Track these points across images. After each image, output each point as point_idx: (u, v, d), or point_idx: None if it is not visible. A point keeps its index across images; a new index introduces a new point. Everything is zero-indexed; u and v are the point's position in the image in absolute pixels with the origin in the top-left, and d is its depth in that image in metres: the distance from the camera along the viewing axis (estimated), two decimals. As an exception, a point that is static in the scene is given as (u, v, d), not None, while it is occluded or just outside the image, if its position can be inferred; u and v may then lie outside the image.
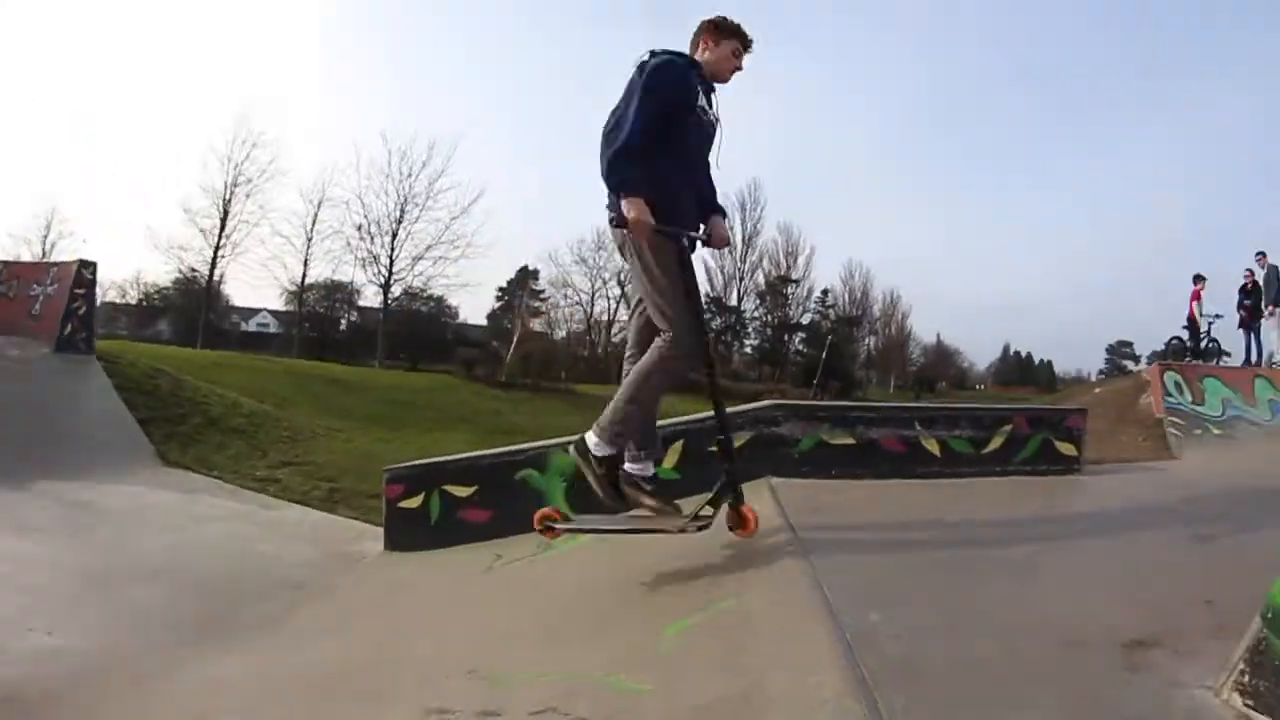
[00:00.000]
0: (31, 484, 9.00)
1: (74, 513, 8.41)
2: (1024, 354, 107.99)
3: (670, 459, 6.13)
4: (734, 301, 70.65)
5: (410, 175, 54.06)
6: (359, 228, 52.09)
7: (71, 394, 13.28)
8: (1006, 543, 4.71)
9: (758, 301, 72.58)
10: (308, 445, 14.83)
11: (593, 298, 65.11)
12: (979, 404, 6.72)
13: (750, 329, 73.34)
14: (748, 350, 73.64)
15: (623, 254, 4.31)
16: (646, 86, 3.97)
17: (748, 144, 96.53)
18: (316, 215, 53.41)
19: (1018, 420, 7.18)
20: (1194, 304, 18.26)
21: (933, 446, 6.70)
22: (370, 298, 56.56)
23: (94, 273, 16.26)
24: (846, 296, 76.60)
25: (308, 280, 55.33)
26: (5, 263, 19.16)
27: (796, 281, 72.45)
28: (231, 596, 6.40)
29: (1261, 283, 17.20)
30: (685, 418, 6.43)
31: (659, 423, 4.95)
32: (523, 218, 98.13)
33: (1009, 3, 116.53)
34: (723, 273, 69.30)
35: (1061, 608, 3.52)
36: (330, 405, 25.83)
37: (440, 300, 59.01)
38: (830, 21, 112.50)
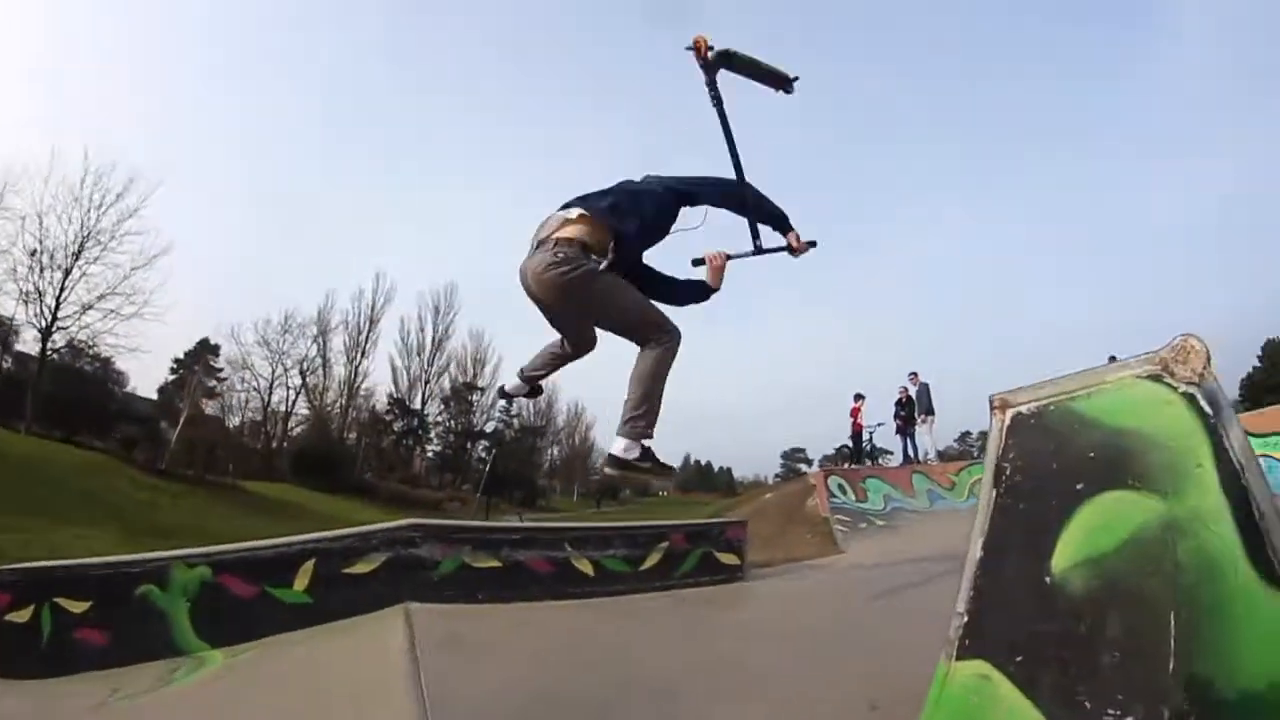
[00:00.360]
0: None
1: None
2: (704, 462, 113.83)
3: (300, 580, 5.58)
4: (418, 405, 68.56)
5: (101, 206, 44.43)
6: (33, 253, 41.39)
7: None
8: (655, 664, 4.48)
9: (442, 406, 70.69)
10: None
11: (271, 385, 58.48)
12: (634, 522, 6.59)
13: (433, 434, 71.32)
14: (430, 455, 71.53)
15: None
16: None
17: (448, 247, 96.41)
18: None
19: (675, 538, 7.14)
20: (856, 417, 20.68)
21: (585, 567, 6.44)
22: (29, 343, 45.37)
23: None
24: (531, 406, 74.88)
25: None
26: None
27: (482, 389, 70.85)
28: None
29: (915, 396, 19.58)
30: (314, 536, 5.82)
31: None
32: (207, 282, 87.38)
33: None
34: (408, 374, 67.59)
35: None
36: None
37: (107, 362, 48.79)
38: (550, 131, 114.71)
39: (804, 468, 79.59)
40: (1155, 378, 1.93)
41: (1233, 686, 1.75)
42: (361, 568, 5.65)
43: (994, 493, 2.13)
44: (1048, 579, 1.97)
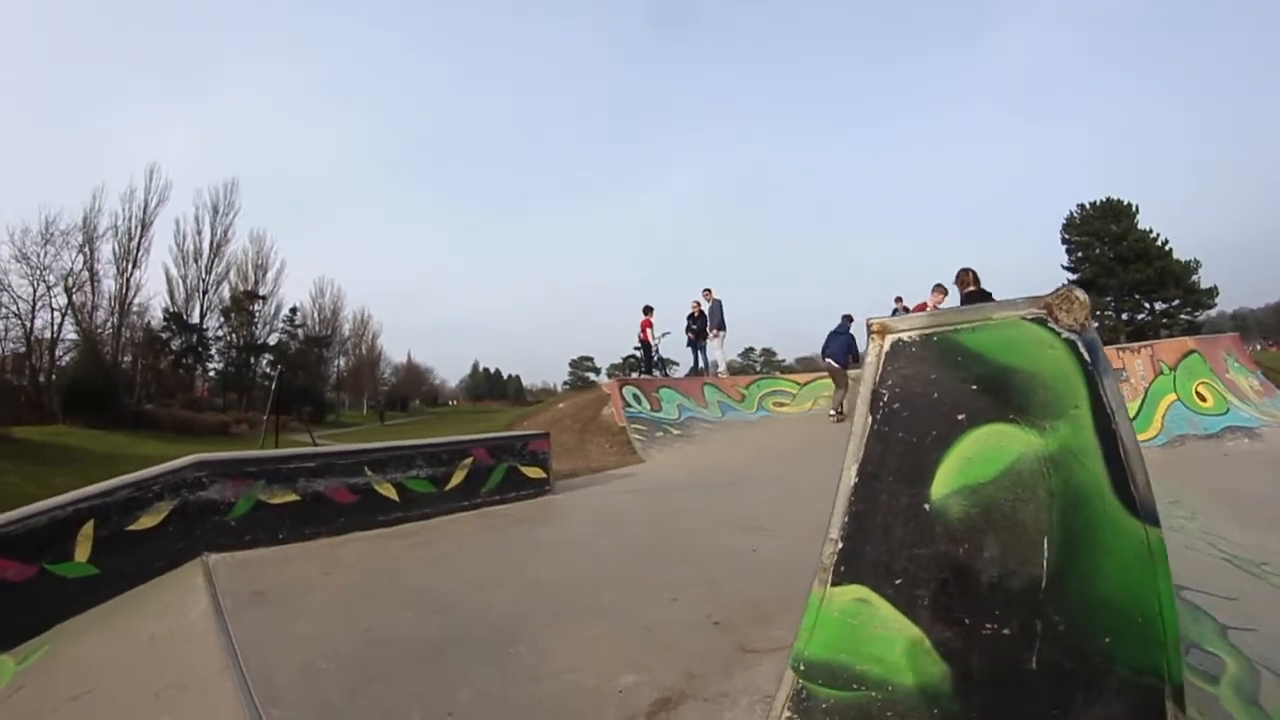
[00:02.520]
0: None
1: None
2: (493, 370, 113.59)
3: (82, 548, 4.93)
4: (196, 319, 61.43)
5: None
6: None
7: None
8: (481, 595, 4.38)
9: (222, 319, 63.57)
10: None
11: (34, 308, 48.02)
12: (435, 440, 6.33)
13: (214, 351, 63.98)
14: (212, 374, 64.63)
15: None
16: None
17: (231, 140, 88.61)
18: None
19: (478, 453, 7.07)
20: (646, 330, 20.85)
21: (389, 491, 6.27)
22: None
23: None
24: (316, 315, 73.77)
25: None
26: None
27: (265, 298, 65.63)
28: None
29: (707, 312, 20.03)
30: (86, 491, 5.16)
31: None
32: None
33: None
34: (185, 285, 60.56)
35: (561, 680, 3.20)
36: None
37: None
38: (345, 35, 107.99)
39: (592, 376, 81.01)
40: (1040, 321, 2.06)
41: (1096, 600, 1.97)
42: (147, 522, 5.17)
43: (870, 419, 2.21)
44: (926, 505, 2.09)
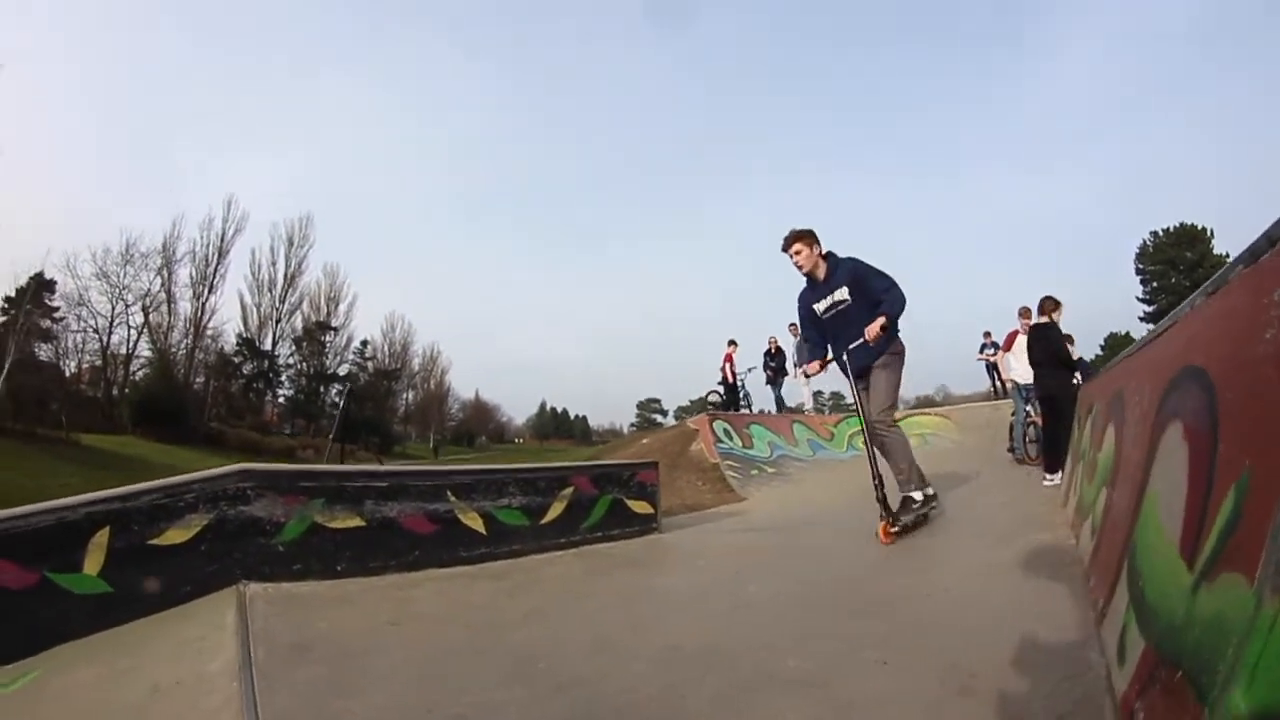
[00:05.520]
0: None
1: None
2: (560, 410, 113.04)
3: (93, 559, 3.99)
4: (269, 345, 62.55)
5: None
6: None
7: None
8: (623, 678, 3.08)
9: (294, 347, 64.53)
10: None
11: (111, 324, 50.84)
12: (532, 464, 5.33)
13: (284, 377, 64.71)
14: (281, 400, 65.52)
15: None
16: None
17: (304, 176, 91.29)
18: None
19: (579, 481, 6.01)
20: (728, 364, 19.82)
21: (475, 522, 5.17)
22: None
23: None
24: (386, 349, 73.23)
25: None
26: None
27: (336, 329, 66.45)
28: None
29: (793, 349, 18.88)
30: (106, 494, 4.19)
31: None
32: (38, 203, 75.54)
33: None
34: (259, 312, 61.63)
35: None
36: None
37: None
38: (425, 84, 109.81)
39: (658, 418, 79.93)
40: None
41: None
42: (175, 536, 4.17)
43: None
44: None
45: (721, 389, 19.70)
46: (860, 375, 6.19)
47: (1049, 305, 9.32)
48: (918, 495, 6.15)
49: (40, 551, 3.94)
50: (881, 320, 5.80)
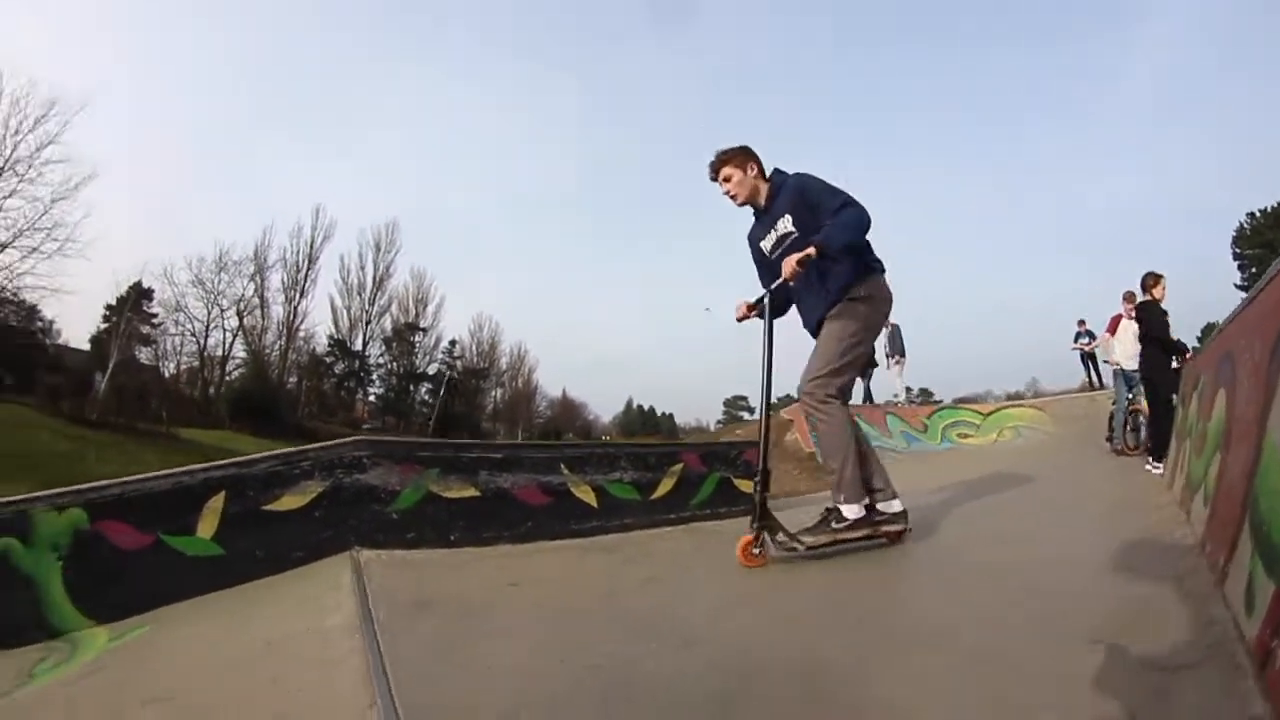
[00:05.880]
0: None
1: None
2: (647, 407, 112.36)
3: (207, 523, 4.10)
4: (359, 346, 64.43)
5: (18, 133, 39.62)
6: None
7: None
8: (752, 635, 2.96)
9: (383, 348, 66.41)
10: None
11: (208, 327, 53.95)
12: (642, 441, 5.30)
13: (375, 376, 66.54)
14: (372, 398, 66.74)
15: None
16: None
17: (389, 182, 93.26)
18: None
19: (689, 459, 5.89)
20: None
21: (587, 495, 5.07)
22: None
23: None
24: (474, 348, 73.52)
25: None
26: None
27: (425, 329, 67.76)
28: None
29: (886, 338, 18.63)
30: (223, 461, 4.37)
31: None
32: (134, 218, 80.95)
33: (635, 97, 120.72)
34: (349, 314, 63.56)
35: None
36: None
37: (33, 310, 43.88)
38: (499, 82, 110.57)
39: (745, 415, 79.12)
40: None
41: None
42: (290, 502, 4.23)
43: None
44: None
45: None
46: (815, 332, 4.65)
47: (1149, 281, 9.11)
48: (849, 511, 4.35)
49: (155, 515, 4.07)
50: (809, 250, 4.17)
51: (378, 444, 4.49)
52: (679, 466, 5.71)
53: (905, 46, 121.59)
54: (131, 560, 4.01)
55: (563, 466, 5.03)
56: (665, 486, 5.57)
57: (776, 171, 4.70)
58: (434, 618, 3.17)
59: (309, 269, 58.45)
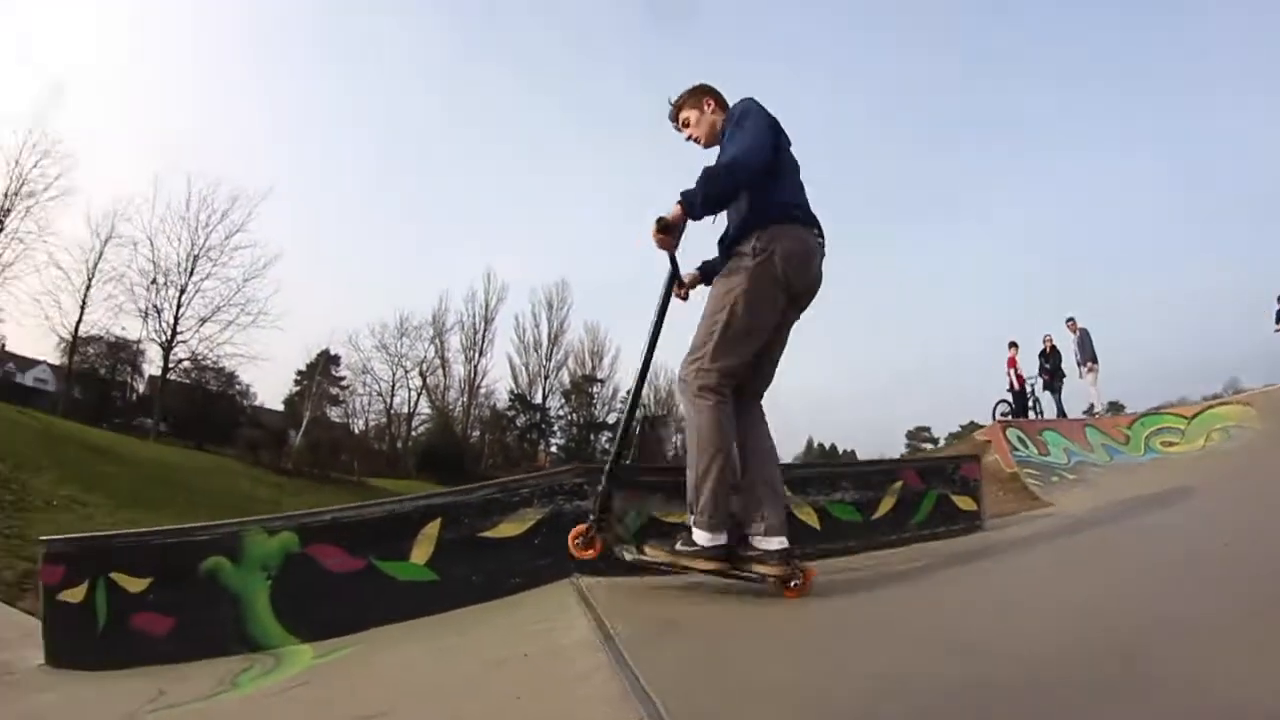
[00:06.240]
0: None
1: None
2: (827, 445, 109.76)
3: (421, 549, 4.29)
4: (539, 399, 67.93)
5: (207, 225, 47.62)
6: (152, 281, 45.57)
7: None
8: (1042, 643, 2.60)
9: (563, 400, 69.78)
10: (33, 516, 12.01)
11: (393, 387, 60.26)
12: (860, 460, 5.16)
13: (556, 427, 70.29)
14: (554, 449, 68.24)
15: None
16: None
17: (558, 242, 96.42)
18: (102, 252, 45.35)
19: (907, 476, 5.65)
20: (1012, 368, 18.97)
21: (809, 516, 4.88)
22: (154, 360, 49.25)
23: None
24: (652, 396, 73.04)
25: (86, 330, 46.95)
26: None
27: (602, 381, 70.47)
28: None
29: (1076, 345, 18.20)
30: (441, 490, 4.72)
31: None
32: (319, 292, 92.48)
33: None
34: (527, 370, 66.98)
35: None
36: (83, 474, 21.18)
37: (231, 377, 52.28)
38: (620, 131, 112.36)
39: (929, 446, 77.07)
40: None
41: None
42: (507, 529, 4.26)
43: None
44: None
45: (1010, 397, 18.69)
46: None
47: None
48: (700, 538, 3.59)
49: (368, 539, 4.31)
50: (675, 210, 3.53)
51: (598, 472, 4.20)
52: (898, 484, 5.45)
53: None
54: (341, 582, 4.26)
55: (786, 489, 4.71)
56: (885, 506, 5.33)
57: (735, 106, 3.94)
58: (681, 637, 2.99)
59: (485, 329, 63.50)
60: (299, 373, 58.27)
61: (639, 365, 4.01)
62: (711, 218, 3.66)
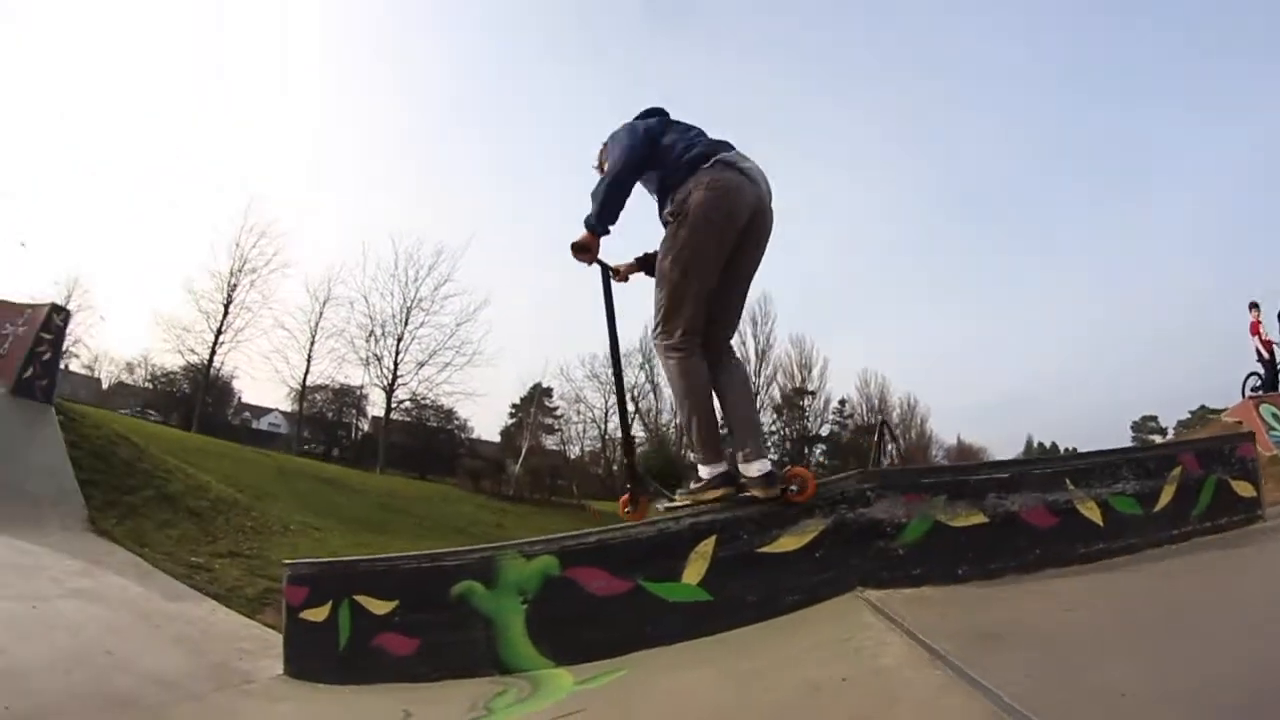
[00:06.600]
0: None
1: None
2: (1048, 444, 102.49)
3: (694, 568, 4.19)
4: None
5: (416, 280, 54.06)
6: (370, 335, 52.17)
7: (12, 437, 11.56)
8: None
9: (775, 415, 70.09)
10: (270, 539, 12.95)
11: (606, 414, 62.90)
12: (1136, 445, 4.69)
13: (770, 443, 69.22)
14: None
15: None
16: None
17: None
18: (322, 312, 53.09)
19: (1186, 460, 5.07)
20: (1256, 335, 17.26)
21: (1093, 512, 4.48)
22: (377, 402, 56.81)
23: (65, 320, 15.47)
24: (864, 405, 74.43)
25: (313, 380, 54.71)
26: (-19, 299, 18.05)
27: (812, 393, 70.69)
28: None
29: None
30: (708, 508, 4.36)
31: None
32: (529, 329, 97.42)
33: (1004, 93, 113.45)
34: None
35: None
36: (315, 503, 23.08)
37: (450, 413, 58.88)
38: (820, 135, 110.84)
39: (1157, 438, 72.30)
40: None
41: None
42: (788, 543, 4.09)
43: None
44: None
45: (1260, 368, 16.96)
46: None
47: None
48: (704, 471, 4.23)
49: (636, 560, 4.26)
50: (582, 235, 4.16)
51: (882, 475, 4.30)
52: (1177, 471, 4.93)
53: None
54: (604, 605, 4.22)
55: (1068, 481, 4.49)
56: (1166, 496, 4.82)
57: None
58: (1012, 648, 2.81)
59: None
60: (513, 406, 63.09)
61: (609, 350, 4.89)
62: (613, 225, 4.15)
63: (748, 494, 4.14)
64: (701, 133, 4.36)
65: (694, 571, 4.14)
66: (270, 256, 52.78)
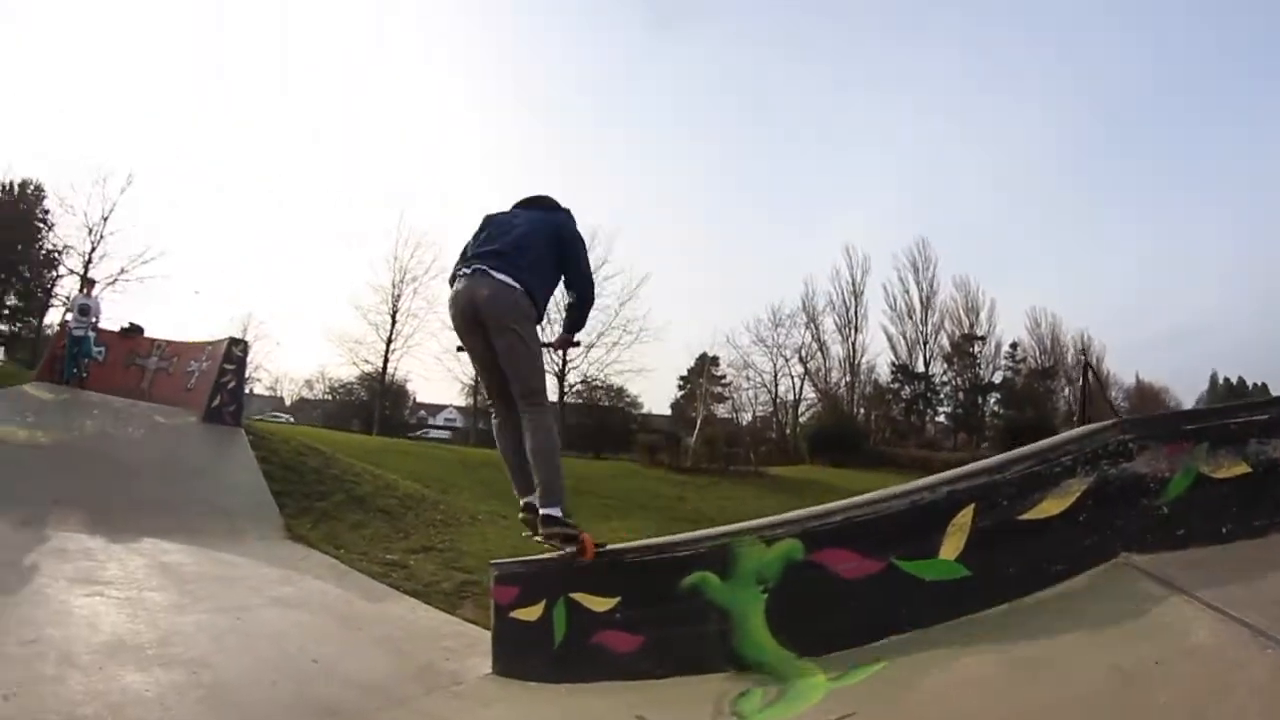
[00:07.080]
0: (129, 538, 8.43)
1: (148, 573, 7.40)
2: (1234, 380, 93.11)
3: (951, 542, 3.78)
4: (921, 368, 67.28)
5: None
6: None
7: (208, 459, 13.02)
8: None
9: (945, 365, 68.10)
10: (460, 530, 13.38)
11: (775, 377, 63.45)
12: None
13: (942, 394, 68.62)
14: (940, 418, 68.71)
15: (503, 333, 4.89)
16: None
17: (910, 200, 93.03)
18: None
19: None
20: None
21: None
22: (551, 388, 57.15)
23: (245, 351, 17.45)
24: (1036, 347, 70.75)
25: None
26: (168, 341, 19.83)
27: (982, 338, 68.05)
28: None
29: None
30: (971, 468, 3.98)
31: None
32: (692, 300, 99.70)
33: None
34: (905, 339, 66.89)
35: None
36: (499, 489, 23.69)
37: (620, 391, 60.35)
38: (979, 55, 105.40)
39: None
40: None
41: None
42: (1049, 507, 3.67)
43: None
44: None
45: None
46: None
47: None
48: (558, 510, 4.87)
49: (888, 538, 3.89)
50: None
51: (1143, 423, 3.81)
52: None
53: None
54: (852, 589, 3.90)
55: None
56: None
57: None
58: None
59: (856, 305, 65.99)
60: (681, 378, 65.96)
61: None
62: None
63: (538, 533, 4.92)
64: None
65: (952, 545, 3.76)
66: (429, 264, 56.20)
